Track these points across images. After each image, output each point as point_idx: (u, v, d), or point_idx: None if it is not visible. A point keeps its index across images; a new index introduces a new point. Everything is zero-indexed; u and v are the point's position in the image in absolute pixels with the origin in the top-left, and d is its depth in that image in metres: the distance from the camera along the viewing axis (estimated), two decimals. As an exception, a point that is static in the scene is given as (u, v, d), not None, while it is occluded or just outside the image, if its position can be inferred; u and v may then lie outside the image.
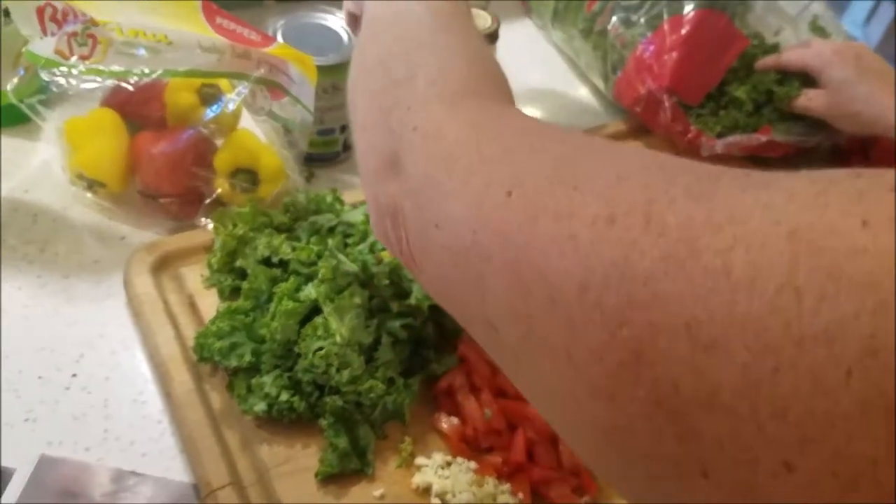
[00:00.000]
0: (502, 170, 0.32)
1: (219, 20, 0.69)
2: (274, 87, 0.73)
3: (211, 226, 0.71)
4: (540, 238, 0.28)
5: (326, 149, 0.84)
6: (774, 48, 0.92)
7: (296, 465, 0.59)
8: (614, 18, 0.93)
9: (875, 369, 0.18)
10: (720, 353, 0.21)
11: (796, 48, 0.90)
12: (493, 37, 0.83)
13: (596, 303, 0.25)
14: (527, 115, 0.38)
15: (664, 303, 0.23)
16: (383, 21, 0.47)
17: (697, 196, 0.24)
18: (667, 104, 0.85)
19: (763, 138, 0.85)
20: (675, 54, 0.87)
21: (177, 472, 0.59)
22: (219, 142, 0.75)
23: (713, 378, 0.22)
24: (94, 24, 0.66)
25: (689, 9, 0.89)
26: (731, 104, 0.89)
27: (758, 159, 0.90)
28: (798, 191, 0.22)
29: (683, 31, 0.88)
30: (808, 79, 0.87)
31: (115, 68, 0.67)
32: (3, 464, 0.57)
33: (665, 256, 0.23)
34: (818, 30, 0.95)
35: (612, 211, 0.26)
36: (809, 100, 0.86)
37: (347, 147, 0.86)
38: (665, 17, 0.90)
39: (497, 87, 0.42)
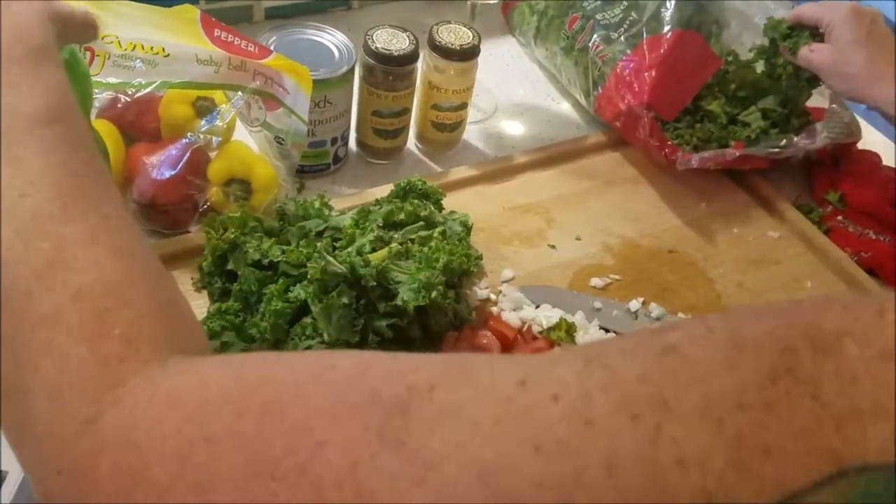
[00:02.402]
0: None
1: (217, 32, 0.71)
2: (269, 98, 0.75)
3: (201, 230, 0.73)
4: None
5: (317, 160, 0.87)
6: (749, 64, 0.96)
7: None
8: (595, 36, 0.96)
9: None
10: None
11: (814, 3, 0.91)
12: (473, 52, 0.85)
13: None
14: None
15: None
16: None
17: (393, 442, 0.26)
18: (645, 120, 0.88)
19: (737, 153, 0.88)
20: (653, 72, 0.91)
21: (169, 466, 0.60)
22: (213, 153, 0.77)
23: None
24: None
25: (667, 28, 0.93)
26: (706, 117, 0.93)
27: (735, 172, 0.93)
28: (481, 419, 0.25)
29: (662, 50, 0.91)
30: (818, 35, 0.88)
31: (112, 80, 0.69)
32: (-3, 467, 0.57)
33: None
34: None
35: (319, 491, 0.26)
36: (812, 51, 0.87)
37: (338, 159, 0.88)
38: (644, 36, 0.93)
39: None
